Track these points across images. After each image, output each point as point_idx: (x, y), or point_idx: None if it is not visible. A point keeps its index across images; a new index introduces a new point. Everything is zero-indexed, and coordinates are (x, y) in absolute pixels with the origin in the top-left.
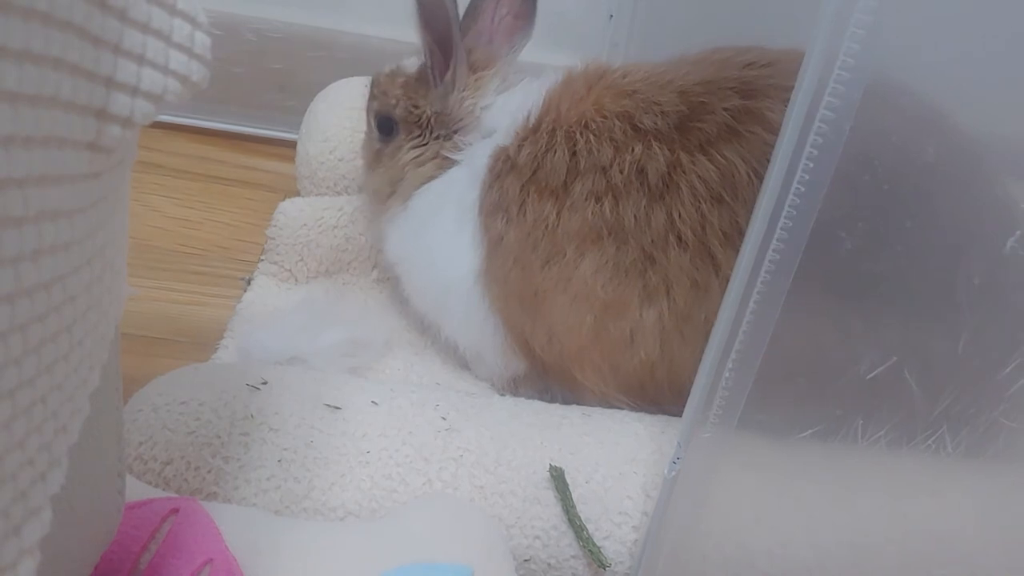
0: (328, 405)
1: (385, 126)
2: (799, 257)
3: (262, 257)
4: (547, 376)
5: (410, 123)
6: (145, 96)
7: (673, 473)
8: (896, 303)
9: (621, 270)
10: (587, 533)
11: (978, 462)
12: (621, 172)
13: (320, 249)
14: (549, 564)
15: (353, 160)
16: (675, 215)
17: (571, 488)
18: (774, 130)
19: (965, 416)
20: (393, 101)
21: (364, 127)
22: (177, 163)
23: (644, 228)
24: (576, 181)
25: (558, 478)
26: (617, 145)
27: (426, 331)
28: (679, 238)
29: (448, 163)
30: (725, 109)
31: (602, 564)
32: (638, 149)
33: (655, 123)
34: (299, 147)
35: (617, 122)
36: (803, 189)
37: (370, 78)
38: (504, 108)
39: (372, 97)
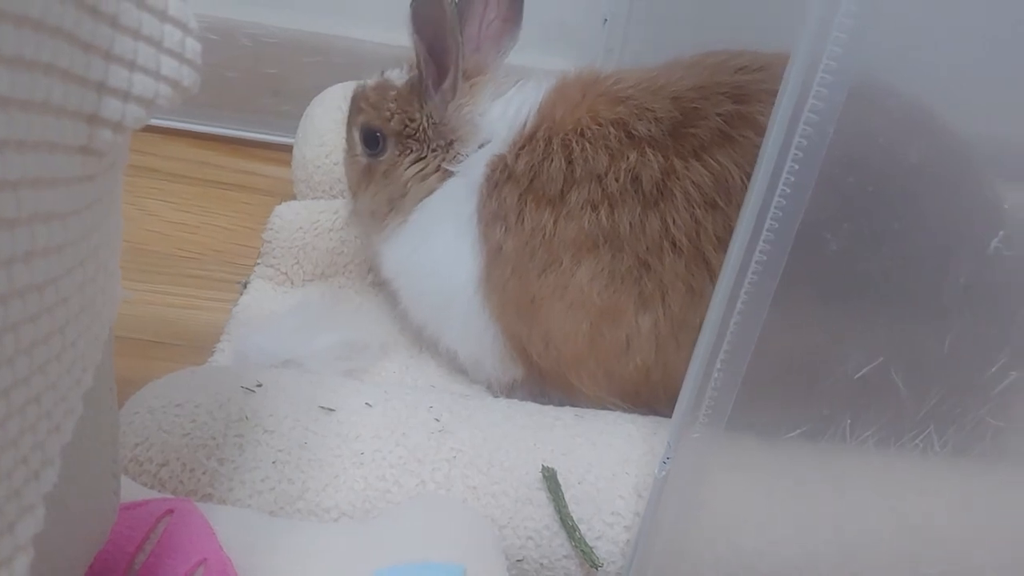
0: (322, 407)
1: (373, 141)
2: (785, 258)
3: (258, 260)
4: (544, 381)
5: (405, 137)
6: (136, 101)
7: (663, 473)
8: (883, 303)
9: (616, 277)
10: (579, 533)
11: (965, 461)
12: (616, 180)
13: (316, 252)
14: (542, 564)
15: None
16: (669, 221)
17: (563, 489)
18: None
19: (952, 415)
20: (387, 114)
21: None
22: (174, 167)
23: (639, 236)
24: (572, 190)
25: (550, 479)
26: (612, 153)
27: (425, 342)
28: (674, 244)
29: (447, 175)
30: (718, 114)
31: (594, 564)
32: (633, 156)
33: (649, 130)
34: (295, 151)
35: (612, 129)
36: (789, 191)
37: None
38: (501, 115)
39: (357, 111)
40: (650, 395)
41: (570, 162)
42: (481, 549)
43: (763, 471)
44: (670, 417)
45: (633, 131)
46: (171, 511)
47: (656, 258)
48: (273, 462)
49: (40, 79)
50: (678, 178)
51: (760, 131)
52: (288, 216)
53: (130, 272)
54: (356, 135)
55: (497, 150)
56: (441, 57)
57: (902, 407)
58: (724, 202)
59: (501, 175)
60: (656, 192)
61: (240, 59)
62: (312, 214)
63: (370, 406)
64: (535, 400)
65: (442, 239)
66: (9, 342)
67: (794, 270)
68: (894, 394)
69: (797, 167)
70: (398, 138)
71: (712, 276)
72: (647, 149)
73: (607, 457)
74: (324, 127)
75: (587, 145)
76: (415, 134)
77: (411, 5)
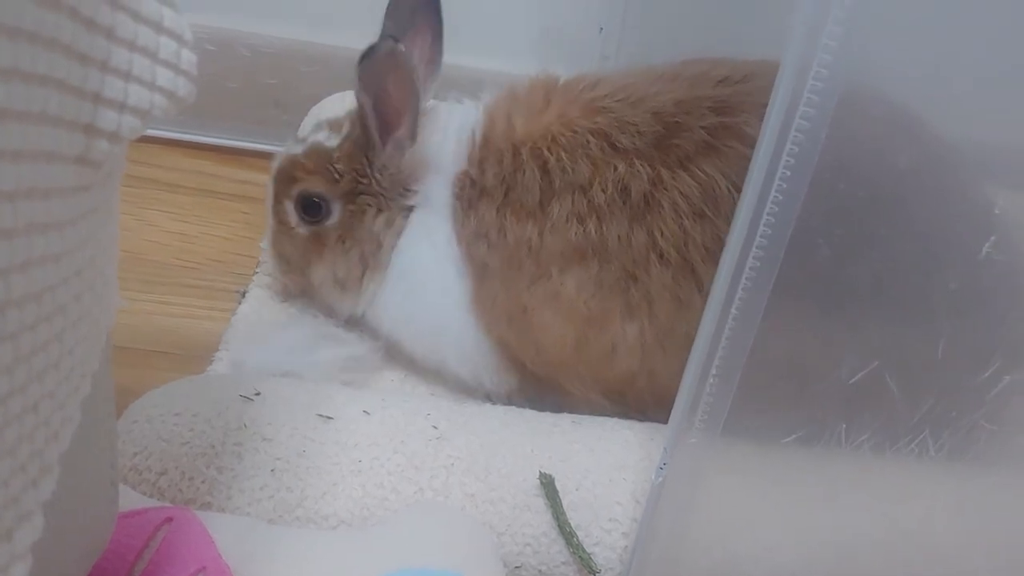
0: (320, 415)
1: (314, 208)
2: (779, 264)
3: (257, 270)
4: (539, 387)
5: (356, 195)
6: (132, 112)
7: (660, 479)
8: (875, 308)
9: (604, 287)
10: (577, 540)
11: (960, 465)
12: (604, 191)
13: None
14: (540, 571)
15: None
16: (657, 234)
17: (561, 495)
18: (752, 144)
19: (946, 419)
20: (335, 177)
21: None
22: (173, 178)
23: (626, 248)
24: (553, 201)
25: (548, 485)
26: (596, 163)
27: (428, 370)
28: (661, 256)
29: (409, 211)
30: (702, 127)
31: (592, 570)
32: (621, 167)
33: (633, 142)
34: None
35: (592, 139)
36: (781, 198)
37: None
38: (444, 139)
39: (290, 182)
40: (636, 399)
41: (546, 172)
42: (479, 556)
43: (759, 476)
44: (664, 422)
45: (617, 143)
46: (170, 519)
47: (643, 270)
48: (271, 470)
49: (36, 90)
50: (666, 189)
51: (746, 141)
52: None
53: (129, 282)
54: (290, 207)
55: (456, 169)
56: (389, 109)
57: (897, 412)
58: (712, 212)
59: (472, 191)
60: (644, 203)
61: (239, 69)
62: None
63: (368, 414)
64: (532, 406)
65: (426, 273)
66: (7, 350)
67: (788, 276)
68: (888, 399)
69: (789, 174)
70: (348, 198)
71: (700, 286)
72: (635, 160)
73: (604, 463)
74: None
75: (563, 154)
76: (368, 189)
77: (361, 63)
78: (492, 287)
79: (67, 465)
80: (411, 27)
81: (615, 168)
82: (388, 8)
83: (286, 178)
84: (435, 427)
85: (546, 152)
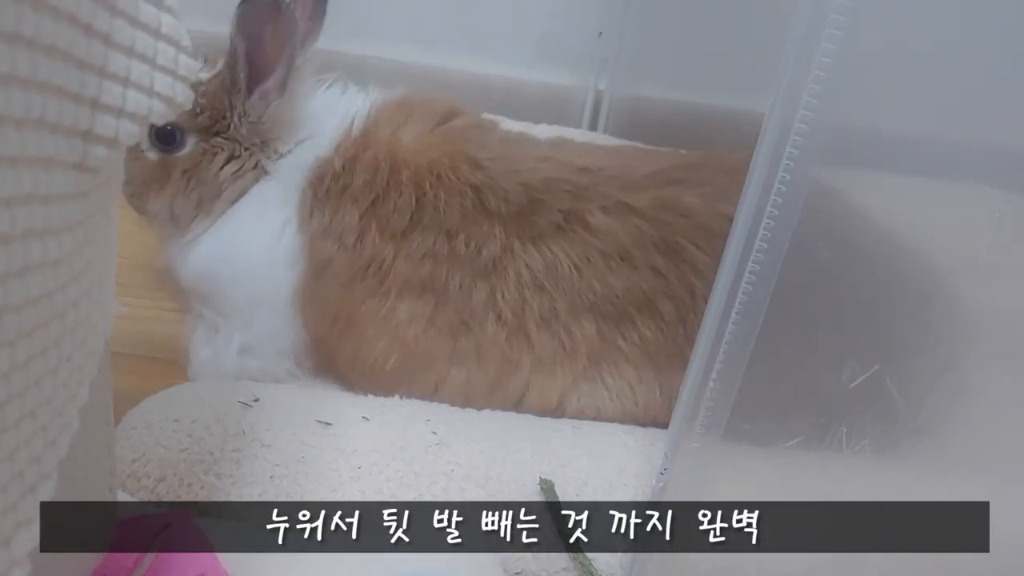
0: (319, 421)
1: (167, 136)
2: (779, 268)
3: None
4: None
5: (213, 134)
6: (130, 117)
7: (661, 484)
8: (874, 313)
9: (435, 326)
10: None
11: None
12: (466, 245)
13: None
14: None
15: None
16: (498, 295)
17: (561, 500)
18: (592, 231)
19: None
20: (197, 111)
21: None
22: None
23: (467, 299)
24: (417, 232)
25: (548, 491)
26: (466, 215)
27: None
28: (499, 316)
29: (262, 173)
30: (559, 210)
31: (593, 575)
32: (485, 227)
33: (499, 208)
34: None
35: (470, 191)
36: (780, 200)
37: None
38: (324, 113)
39: None
40: None
41: (421, 204)
42: (479, 562)
43: (760, 481)
44: (667, 428)
45: (487, 203)
46: (168, 526)
47: (479, 323)
48: (270, 476)
49: (34, 97)
50: (513, 258)
51: (587, 228)
52: None
53: (129, 288)
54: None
55: (321, 152)
56: (262, 57)
57: (898, 416)
58: (551, 286)
59: (333, 185)
60: (492, 265)
61: None
62: None
63: (367, 419)
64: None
65: (254, 246)
66: (5, 357)
67: (788, 279)
68: (889, 403)
69: (788, 177)
70: (203, 135)
71: (532, 350)
72: (496, 224)
73: (605, 468)
74: None
75: (442, 194)
76: (226, 131)
77: (241, 5)
78: (328, 287)
79: (65, 472)
80: None
81: (481, 226)
82: None
83: None
84: (434, 433)
85: (427, 187)
